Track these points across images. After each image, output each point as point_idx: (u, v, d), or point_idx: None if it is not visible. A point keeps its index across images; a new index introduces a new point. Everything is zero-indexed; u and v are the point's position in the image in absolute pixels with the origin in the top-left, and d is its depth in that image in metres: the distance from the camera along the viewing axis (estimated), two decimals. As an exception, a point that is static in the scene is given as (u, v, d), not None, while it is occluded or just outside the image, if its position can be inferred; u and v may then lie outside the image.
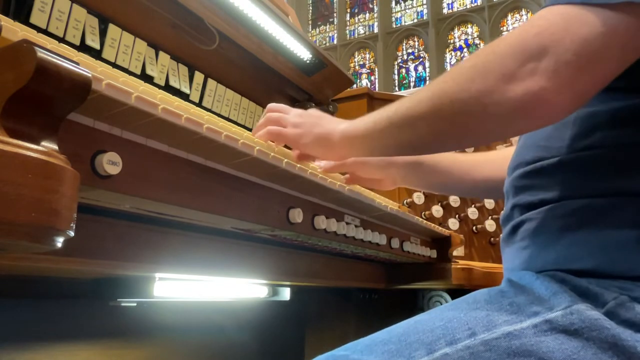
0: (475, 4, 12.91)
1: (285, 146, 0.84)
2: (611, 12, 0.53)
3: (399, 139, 0.69)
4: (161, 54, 1.20)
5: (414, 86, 12.91)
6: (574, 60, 0.53)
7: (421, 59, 13.44)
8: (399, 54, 13.80)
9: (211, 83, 1.35)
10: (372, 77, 13.88)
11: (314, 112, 0.84)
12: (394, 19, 14.02)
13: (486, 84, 0.57)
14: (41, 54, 0.35)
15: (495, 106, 0.57)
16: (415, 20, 13.66)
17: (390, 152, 0.77)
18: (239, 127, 0.79)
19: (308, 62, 1.63)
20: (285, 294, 1.26)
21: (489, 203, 1.98)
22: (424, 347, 0.56)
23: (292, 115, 0.84)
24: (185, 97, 1.25)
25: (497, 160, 0.94)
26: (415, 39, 13.66)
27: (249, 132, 0.78)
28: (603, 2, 0.53)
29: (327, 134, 0.78)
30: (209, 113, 0.74)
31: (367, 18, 14.36)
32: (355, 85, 2.08)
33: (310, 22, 14.98)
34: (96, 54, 1.04)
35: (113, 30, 1.08)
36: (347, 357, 0.59)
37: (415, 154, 0.89)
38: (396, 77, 13.63)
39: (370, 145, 0.74)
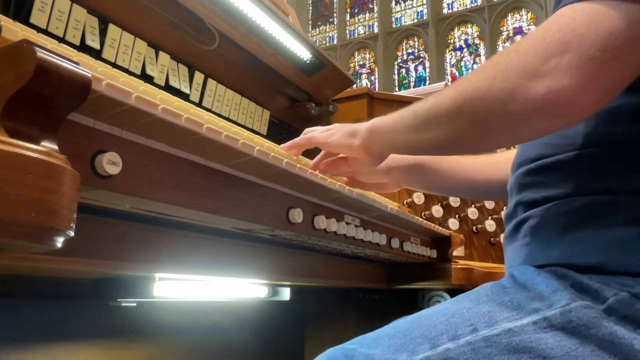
0: (475, 4, 12.91)
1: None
2: (634, 5, 0.52)
3: (421, 135, 0.69)
4: (161, 54, 1.20)
5: (414, 86, 12.91)
6: (599, 55, 0.52)
7: (421, 59, 13.44)
8: (399, 54, 13.80)
9: (211, 83, 1.35)
10: (372, 77, 13.88)
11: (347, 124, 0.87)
12: (394, 19, 14.02)
13: (507, 82, 0.56)
14: (41, 54, 0.35)
15: (516, 104, 0.56)
16: (415, 20, 13.66)
17: (413, 149, 0.77)
18: (239, 127, 0.79)
19: (308, 62, 1.63)
20: (285, 294, 1.26)
21: (489, 203, 1.98)
22: (427, 342, 0.57)
23: (325, 127, 0.88)
24: (185, 97, 1.25)
25: (499, 162, 0.94)
26: (415, 39, 13.66)
27: (249, 132, 0.78)
28: None
29: (355, 128, 0.80)
30: (209, 113, 0.74)
31: (367, 18, 14.36)
32: (355, 85, 2.08)
33: (310, 22, 14.98)
34: (96, 54, 1.04)
35: (113, 30, 1.08)
36: (355, 350, 0.60)
37: (436, 153, 0.89)
38: (396, 77, 13.63)
39: (394, 139, 0.75)
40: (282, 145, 0.87)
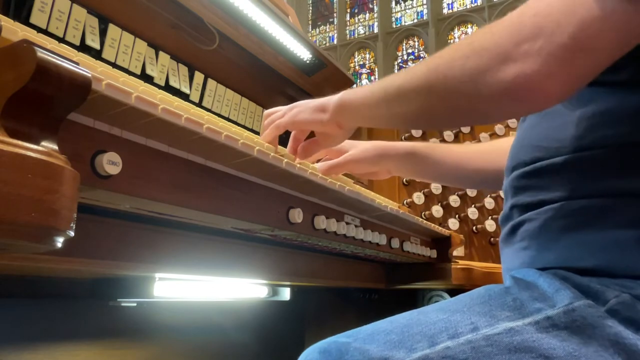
0: (475, 4, 12.92)
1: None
2: None
3: (391, 110, 0.69)
4: (161, 54, 1.20)
5: (414, 86, 12.90)
6: (570, 43, 0.52)
7: (421, 59, 13.44)
8: (399, 54, 13.80)
9: (211, 83, 1.35)
10: (372, 77, 13.88)
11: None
12: (394, 19, 14.02)
13: (479, 63, 0.56)
14: (41, 54, 0.35)
15: (486, 86, 0.56)
16: (415, 20, 13.66)
17: (382, 122, 0.78)
18: (239, 127, 0.79)
19: (308, 62, 1.63)
20: (285, 294, 1.26)
21: (489, 203, 1.98)
22: (426, 340, 0.56)
23: (287, 106, 0.86)
24: (185, 97, 1.25)
25: (489, 152, 0.95)
26: (415, 39, 13.67)
27: (249, 132, 0.78)
28: None
29: (323, 102, 0.79)
30: (209, 113, 0.74)
31: (367, 18, 14.36)
32: (355, 85, 2.08)
33: (310, 22, 14.98)
34: (96, 54, 1.04)
35: (113, 30, 1.08)
36: (349, 344, 0.59)
37: (405, 127, 0.90)
38: (396, 77, 13.62)
39: (365, 113, 0.75)
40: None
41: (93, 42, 1.03)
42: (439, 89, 0.61)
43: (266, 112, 0.90)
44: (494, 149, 0.94)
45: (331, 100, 0.78)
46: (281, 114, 0.85)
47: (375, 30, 14.07)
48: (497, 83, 0.55)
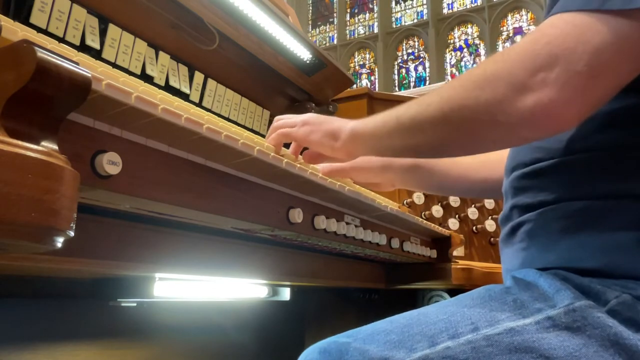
0: (475, 4, 12.91)
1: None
2: (623, 20, 0.53)
3: (405, 141, 0.69)
4: (161, 54, 1.20)
5: (414, 86, 12.91)
6: (586, 71, 0.52)
7: (421, 59, 13.44)
8: (399, 54, 13.80)
9: (211, 83, 1.35)
10: (372, 77, 13.88)
11: (321, 115, 0.86)
12: (394, 19, 14.02)
13: (495, 94, 0.57)
14: (41, 54, 0.35)
15: (504, 116, 0.57)
16: (415, 20, 13.66)
17: (396, 153, 0.78)
18: (239, 127, 0.79)
19: (308, 62, 1.63)
20: (285, 294, 1.26)
21: (489, 203, 1.98)
22: (426, 340, 0.56)
23: (301, 117, 0.86)
24: (185, 97, 1.25)
25: (494, 162, 0.95)
26: (415, 39, 13.66)
27: (249, 132, 0.78)
28: (616, 8, 0.53)
29: (336, 129, 0.79)
30: (209, 113, 0.74)
31: (367, 18, 14.36)
32: (355, 85, 2.09)
33: (310, 22, 14.98)
34: (96, 54, 1.04)
35: (113, 30, 1.08)
36: (349, 344, 0.59)
37: (420, 157, 0.90)
38: (396, 77, 13.63)
39: (377, 144, 0.75)
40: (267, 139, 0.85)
41: (93, 42, 1.03)
42: (455, 121, 0.61)
43: (277, 117, 0.90)
44: (500, 158, 0.94)
45: (344, 128, 0.78)
46: (292, 123, 0.85)
47: (375, 30, 14.07)
48: (515, 113, 0.56)
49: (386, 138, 0.71)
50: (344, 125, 0.79)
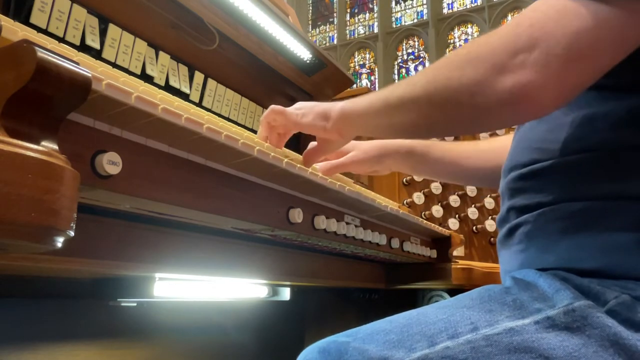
0: (475, 4, 12.92)
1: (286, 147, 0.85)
2: (605, 6, 0.53)
3: (392, 120, 0.70)
4: (161, 54, 1.20)
5: (414, 86, 12.89)
6: (564, 54, 0.53)
7: (421, 59, 13.45)
8: (399, 54, 13.80)
9: (211, 83, 1.35)
10: (372, 77, 13.88)
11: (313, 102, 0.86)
12: (394, 19, 14.02)
13: (476, 74, 0.57)
14: (41, 54, 0.35)
15: (483, 97, 0.57)
16: (415, 20, 13.67)
17: (383, 133, 0.80)
18: (239, 127, 0.79)
19: (308, 62, 1.63)
20: (285, 294, 1.26)
21: (489, 203, 1.98)
22: (425, 340, 0.56)
23: (293, 105, 0.87)
24: (185, 97, 1.25)
25: (487, 151, 0.97)
26: (415, 39, 13.67)
27: (249, 132, 0.78)
28: None
29: (326, 110, 0.80)
30: (209, 113, 0.74)
31: (367, 18, 14.36)
32: (355, 85, 2.08)
33: (310, 22, 14.98)
34: (96, 54, 1.04)
35: (113, 30, 1.08)
36: (348, 344, 0.59)
37: (406, 137, 0.93)
38: (396, 77, 13.64)
39: (365, 123, 0.76)
40: (260, 134, 0.85)
41: (93, 42, 1.03)
42: (438, 100, 0.62)
43: (272, 107, 0.90)
44: (492, 148, 0.96)
45: (334, 108, 0.79)
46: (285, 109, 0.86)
47: (375, 30, 14.07)
48: (494, 94, 0.56)
49: (374, 117, 0.73)
50: (333, 105, 0.80)
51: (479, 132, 0.75)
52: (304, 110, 0.83)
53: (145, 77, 1.15)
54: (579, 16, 0.53)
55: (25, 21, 0.91)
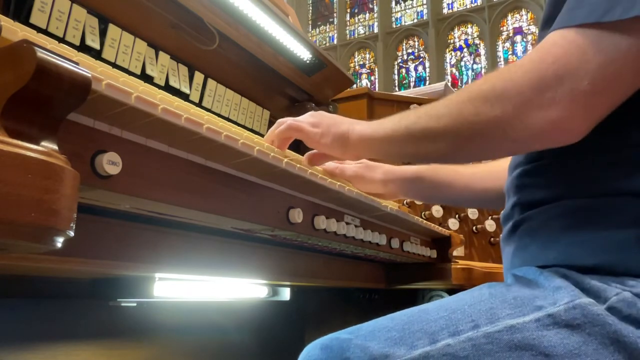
0: (475, 4, 12.92)
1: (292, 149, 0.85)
2: (622, 35, 0.55)
3: (417, 149, 0.71)
4: (161, 54, 1.20)
5: (414, 86, 12.91)
6: (589, 89, 0.56)
7: (421, 59, 13.45)
8: (399, 54, 13.80)
9: (211, 83, 1.35)
10: (372, 77, 13.88)
11: (325, 113, 0.87)
12: (394, 19, 14.02)
13: (505, 111, 0.60)
14: (41, 54, 0.35)
15: (514, 132, 0.60)
16: (415, 20, 13.66)
17: (407, 159, 0.82)
18: (239, 127, 0.79)
19: (308, 62, 1.63)
20: (285, 294, 1.26)
21: (489, 203, 1.97)
22: (426, 337, 0.57)
23: (306, 116, 0.86)
24: (185, 97, 1.25)
25: (496, 172, 0.96)
26: (415, 39, 13.67)
27: (249, 132, 0.78)
28: (616, 19, 0.54)
29: (344, 134, 0.80)
30: (209, 113, 0.74)
31: (367, 18, 14.36)
32: (355, 85, 2.09)
33: (310, 22, 14.98)
34: (96, 54, 1.04)
35: (113, 30, 1.08)
36: (350, 341, 0.59)
37: (428, 163, 0.94)
38: (396, 77, 13.64)
39: (387, 150, 0.77)
40: (268, 137, 0.85)
41: (93, 42, 1.03)
42: (467, 134, 0.64)
43: (280, 120, 0.89)
44: (504, 168, 0.95)
45: (352, 132, 0.79)
46: (305, 125, 0.85)
47: (375, 30, 14.06)
48: (526, 129, 0.59)
49: (396, 146, 0.74)
50: (350, 128, 0.80)
51: (505, 157, 0.79)
52: (322, 130, 0.82)
53: (145, 77, 1.15)
54: (599, 51, 0.56)
55: (25, 21, 0.91)
